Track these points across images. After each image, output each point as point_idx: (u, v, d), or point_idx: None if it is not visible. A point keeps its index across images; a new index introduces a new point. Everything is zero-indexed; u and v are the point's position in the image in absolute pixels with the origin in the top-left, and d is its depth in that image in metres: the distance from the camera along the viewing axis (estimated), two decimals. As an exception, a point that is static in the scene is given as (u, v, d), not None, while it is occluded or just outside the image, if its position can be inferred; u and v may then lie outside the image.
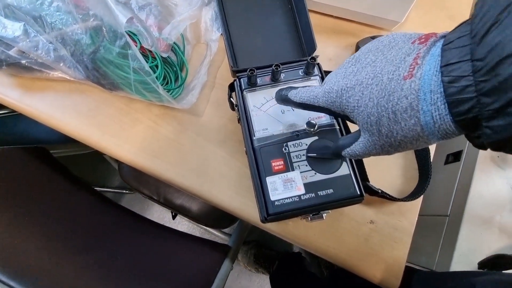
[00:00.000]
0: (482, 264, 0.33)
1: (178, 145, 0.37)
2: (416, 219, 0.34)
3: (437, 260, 0.53)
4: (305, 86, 0.25)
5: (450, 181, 0.57)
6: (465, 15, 0.43)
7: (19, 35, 0.34)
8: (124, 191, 1.03)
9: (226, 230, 0.97)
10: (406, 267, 0.33)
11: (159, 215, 1.05)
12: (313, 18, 0.43)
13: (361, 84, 0.19)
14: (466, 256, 0.48)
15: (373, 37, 0.39)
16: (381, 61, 0.19)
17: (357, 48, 0.40)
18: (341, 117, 0.23)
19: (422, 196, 0.34)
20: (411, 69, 0.17)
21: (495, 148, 0.15)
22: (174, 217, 0.77)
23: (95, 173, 1.09)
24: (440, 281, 0.37)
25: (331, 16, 0.43)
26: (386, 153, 0.20)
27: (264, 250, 0.98)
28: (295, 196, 0.28)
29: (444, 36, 0.17)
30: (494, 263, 0.33)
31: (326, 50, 0.42)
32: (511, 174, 0.51)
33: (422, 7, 0.43)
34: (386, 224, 0.34)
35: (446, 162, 0.62)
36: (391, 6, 0.38)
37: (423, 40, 0.18)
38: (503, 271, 0.40)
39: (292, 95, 0.25)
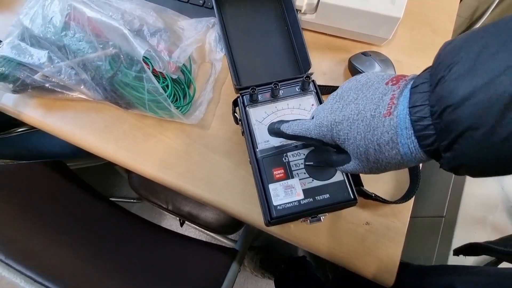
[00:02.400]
0: (458, 251, 0.36)
1: (187, 157, 0.41)
2: (408, 219, 0.37)
3: (435, 259, 0.55)
4: (296, 120, 0.27)
5: (445, 183, 0.60)
6: (447, 28, 0.46)
7: (44, 62, 0.38)
8: (133, 200, 1.06)
9: (232, 236, 1.00)
10: (400, 261, 0.36)
11: (167, 222, 1.08)
12: (309, 36, 0.47)
13: (348, 120, 0.22)
14: (461, 256, 0.50)
15: (363, 53, 0.43)
16: (362, 99, 0.22)
17: (349, 63, 0.43)
18: (332, 146, 0.26)
19: (413, 198, 0.37)
20: (389, 108, 0.20)
21: (454, 172, 0.19)
22: (182, 224, 0.80)
23: (105, 183, 1.13)
24: (424, 274, 0.40)
25: (325, 34, 0.47)
26: (374, 173, 0.24)
27: (270, 255, 1.00)
28: (295, 201, 0.31)
29: (413, 79, 0.21)
30: (469, 250, 0.36)
31: (321, 65, 0.45)
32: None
33: (407, 24, 0.47)
34: (381, 225, 0.37)
35: (441, 165, 0.65)
36: (379, 24, 0.41)
37: (394, 81, 0.21)
38: (481, 266, 0.43)
39: (284, 128, 0.27)
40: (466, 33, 0.18)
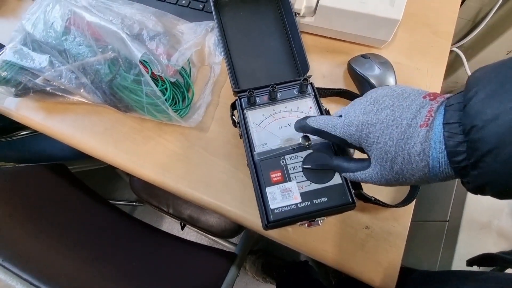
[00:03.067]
0: (471, 262, 0.35)
1: (186, 160, 0.41)
2: (409, 223, 0.36)
3: (438, 264, 0.54)
4: (323, 115, 0.28)
5: (449, 187, 0.59)
6: (448, 30, 0.46)
7: (45, 66, 0.39)
8: (135, 203, 1.07)
9: (233, 240, 0.99)
10: (406, 267, 0.35)
11: (168, 226, 1.08)
12: (308, 39, 0.47)
13: (382, 123, 0.22)
14: (465, 261, 0.49)
15: (363, 56, 0.42)
16: (398, 107, 0.22)
17: (349, 65, 0.43)
18: (355, 148, 0.25)
19: (414, 202, 0.37)
20: (426, 120, 0.20)
21: (479, 192, 0.19)
22: (182, 228, 0.79)
23: (107, 186, 1.13)
24: (430, 281, 0.39)
25: (324, 36, 0.46)
26: (386, 185, 0.23)
27: (272, 260, 0.99)
28: (292, 205, 0.30)
29: (447, 98, 0.21)
30: (482, 261, 0.35)
31: (321, 68, 0.45)
32: (506, 179, 0.53)
33: (408, 26, 0.46)
34: (381, 229, 0.36)
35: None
36: (378, 26, 0.41)
37: (432, 97, 0.22)
38: (490, 270, 0.41)
39: (310, 121, 0.28)
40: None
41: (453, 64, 0.90)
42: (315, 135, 0.30)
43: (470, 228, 0.52)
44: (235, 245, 0.96)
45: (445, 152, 0.19)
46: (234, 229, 0.68)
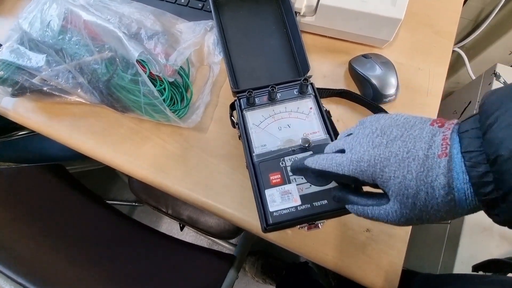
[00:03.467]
0: (477, 268, 0.34)
1: (185, 161, 0.40)
2: (410, 226, 0.36)
3: (440, 267, 0.53)
4: (324, 154, 0.25)
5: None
6: (450, 30, 0.45)
7: (42, 65, 0.38)
8: (134, 203, 1.06)
9: (232, 240, 0.99)
10: (408, 270, 0.34)
11: (168, 226, 1.07)
12: (309, 39, 0.46)
13: (397, 156, 0.20)
14: (467, 264, 0.49)
15: (364, 56, 0.42)
16: (408, 137, 0.20)
17: (350, 65, 0.42)
18: (367, 185, 0.23)
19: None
20: (444, 149, 0.19)
21: (505, 225, 0.18)
22: (182, 229, 0.79)
23: (106, 186, 1.13)
24: (435, 284, 0.39)
25: (325, 36, 0.46)
26: (404, 224, 0.21)
27: (271, 261, 0.99)
28: (292, 207, 0.30)
29: (458, 124, 0.20)
30: (488, 267, 0.34)
31: (321, 68, 0.45)
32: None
33: (409, 26, 0.46)
34: (382, 232, 0.35)
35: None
36: (380, 26, 0.41)
37: (439, 124, 0.20)
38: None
39: (309, 162, 0.25)
40: (506, 85, 0.18)
41: (455, 65, 0.89)
42: (317, 177, 0.27)
43: (472, 231, 0.51)
44: (234, 246, 0.96)
45: (470, 183, 0.18)
46: (233, 230, 0.68)
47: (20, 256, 0.31)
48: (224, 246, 0.98)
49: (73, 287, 0.31)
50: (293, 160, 0.31)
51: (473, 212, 0.19)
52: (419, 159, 0.19)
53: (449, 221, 0.55)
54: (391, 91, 0.40)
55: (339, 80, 0.44)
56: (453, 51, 0.85)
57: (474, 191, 0.17)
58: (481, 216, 0.56)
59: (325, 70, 0.44)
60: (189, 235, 1.05)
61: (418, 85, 0.42)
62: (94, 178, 1.11)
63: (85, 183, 0.62)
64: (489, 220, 0.54)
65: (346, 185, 0.26)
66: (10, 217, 0.37)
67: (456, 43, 0.85)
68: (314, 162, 0.24)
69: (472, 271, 0.35)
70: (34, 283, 0.26)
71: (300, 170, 0.27)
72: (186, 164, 0.40)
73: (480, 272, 0.41)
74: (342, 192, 0.25)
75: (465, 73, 0.83)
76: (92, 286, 0.33)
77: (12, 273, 0.26)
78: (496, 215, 0.18)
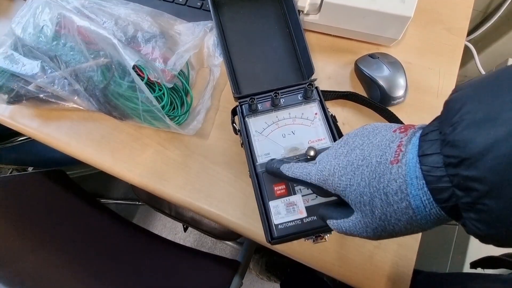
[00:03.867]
0: (475, 264, 0.34)
1: (186, 168, 0.39)
2: (420, 235, 0.34)
3: (449, 267, 0.52)
4: (298, 162, 0.26)
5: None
6: (462, 26, 0.43)
7: (37, 72, 0.37)
8: (137, 202, 1.06)
9: (238, 239, 0.99)
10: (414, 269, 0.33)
11: (172, 225, 1.07)
12: (312, 38, 0.44)
13: (352, 165, 0.20)
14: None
15: (371, 55, 0.40)
16: (368, 145, 0.20)
17: (356, 66, 0.41)
18: (334, 195, 0.23)
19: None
20: (396, 155, 0.18)
21: (482, 241, 0.16)
22: (185, 230, 0.79)
23: (109, 186, 1.13)
24: (437, 283, 0.38)
25: (330, 35, 0.44)
26: (377, 238, 0.20)
27: (276, 258, 0.99)
28: (297, 220, 0.29)
29: (422, 128, 0.19)
30: (486, 263, 0.33)
31: (326, 69, 0.43)
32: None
33: (419, 23, 0.43)
34: (390, 241, 0.34)
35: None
36: (388, 24, 0.39)
37: (403, 130, 0.19)
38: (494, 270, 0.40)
39: (284, 169, 0.26)
40: (473, 80, 0.17)
41: (463, 58, 0.86)
42: (291, 182, 0.29)
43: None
44: (238, 244, 0.96)
45: (426, 189, 0.16)
46: (237, 232, 0.67)
47: (20, 269, 0.30)
48: (228, 245, 0.98)
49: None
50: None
51: (441, 223, 0.17)
52: (372, 166, 0.19)
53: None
54: (399, 93, 0.38)
55: (344, 81, 0.42)
56: (462, 44, 0.82)
57: (434, 197, 0.16)
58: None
59: (330, 71, 0.43)
60: (193, 234, 1.05)
61: (428, 85, 0.40)
62: (97, 178, 1.11)
63: (87, 183, 0.62)
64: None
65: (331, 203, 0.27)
66: (7, 228, 0.37)
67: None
68: (289, 170, 0.25)
69: (470, 267, 0.34)
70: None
71: (275, 173, 0.28)
72: (187, 172, 0.39)
73: (479, 269, 0.40)
74: (323, 209, 0.25)
75: (474, 66, 0.81)
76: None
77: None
78: (465, 226, 0.16)
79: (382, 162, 0.19)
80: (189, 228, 1.05)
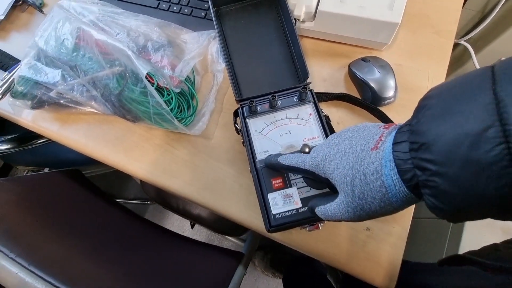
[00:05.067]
0: (441, 262, 0.36)
1: (193, 166, 0.43)
2: (409, 225, 0.37)
3: (437, 261, 0.54)
4: (293, 152, 0.31)
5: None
6: (450, 29, 0.46)
7: (58, 80, 0.41)
8: (147, 202, 1.11)
9: (242, 236, 1.02)
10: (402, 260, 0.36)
11: (179, 223, 1.11)
12: (309, 43, 0.47)
13: (341, 152, 0.24)
14: (469, 258, 0.50)
15: (363, 59, 0.43)
16: (356, 137, 0.24)
17: (349, 69, 0.44)
18: (323, 181, 0.27)
19: (414, 204, 0.37)
20: (376, 144, 0.22)
21: (437, 215, 0.19)
22: (192, 226, 0.82)
23: (120, 186, 1.17)
24: (415, 271, 0.41)
25: (325, 40, 0.47)
26: (357, 219, 0.23)
27: (280, 255, 1.01)
28: (293, 210, 0.32)
29: (400, 125, 0.23)
30: (451, 261, 0.36)
31: (321, 72, 0.46)
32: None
33: (409, 27, 0.46)
34: (381, 231, 0.37)
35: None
36: (378, 30, 0.42)
37: (386, 127, 0.23)
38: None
39: (281, 159, 0.30)
40: (444, 82, 0.20)
41: (461, 58, 0.88)
42: (286, 171, 0.32)
43: (475, 225, 0.52)
44: (243, 241, 0.99)
45: (396, 170, 0.20)
46: (242, 227, 0.70)
47: (48, 257, 0.34)
48: (234, 242, 1.01)
49: (95, 285, 0.34)
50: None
51: (409, 203, 0.21)
52: (356, 152, 0.23)
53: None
54: (389, 93, 0.41)
55: (339, 83, 0.45)
56: (459, 44, 0.84)
57: (401, 178, 0.20)
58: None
59: (325, 74, 0.46)
60: (200, 232, 1.09)
61: (417, 86, 0.43)
62: (108, 179, 1.16)
63: (99, 184, 0.66)
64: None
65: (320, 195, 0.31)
66: (36, 222, 0.41)
67: (462, 36, 0.84)
68: (286, 159, 0.29)
69: (438, 265, 0.37)
70: (61, 282, 0.29)
71: (273, 165, 0.31)
72: (194, 169, 0.42)
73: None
74: (312, 201, 0.28)
75: (471, 66, 0.82)
76: (110, 283, 0.36)
77: (42, 273, 0.30)
78: (426, 203, 0.19)
79: (365, 150, 0.22)
80: (196, 226, 1.09)
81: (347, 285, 0.74)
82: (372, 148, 0.22)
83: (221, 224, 0.70)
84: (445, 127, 0.17)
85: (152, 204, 1.12)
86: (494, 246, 0.36)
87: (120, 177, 1.18)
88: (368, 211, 0.22)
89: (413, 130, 0.19)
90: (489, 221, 0.56)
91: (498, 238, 0.53)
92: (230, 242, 1.04)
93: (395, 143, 0.21)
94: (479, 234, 0.51)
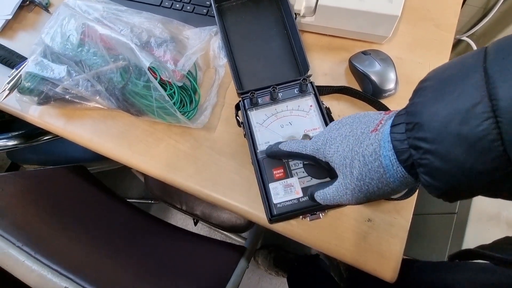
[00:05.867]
0: (451, 257, 0.36)
1: (195, 159, 0.43)
2: (411, 216, 0.37)
3: (447, 256, 0.54)
4: (293, 140, 0.31)
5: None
6: (451, 22, 0.46)
7: (64, 76, 0.42)
8: (150, 201, 1.11)
9: (244, 234, 1.02)
10: (409, 259, 0.36)
11: (183, 222, 1.12)
12: (309, 38, 0.48)
13: (341, 136, 0.25)
14: (473, 252, 0.50)
15: (363, 52, 0.43)
16: (357, 122, 0.25)
17: (350, 62, 0.44)
18: (323, 166, 0.27)
19: (416, 194, 0.37)
20: (376, 126, 0.23)
21: (432, 193, 0.19)
22: (195, 224, 0.83)
23: (124, 186, 1.19)
24: (426, 269, 0.41)
25: (325, 34, 0.47)
26: (355, 201, 0.24)
27: (284, 254, 1.01)
28: (294, 199, 0.32)
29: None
30: (462, 256, 0.35)
31: (322, 66, 0.46)
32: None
33: (409, 20, 0.46)
34: (383, 222, 0.37)
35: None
36: (378, 23, 0.42)
37: (387, 113, 0.24)
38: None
39: (282, 146, 0.30)
40: (438, 66, 0.21)
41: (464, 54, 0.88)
42: (287, 158, 0.33)
43: (479, 219, 0.52)
44: (245, 239, 0.99)
45: (393, 151, 0.20)
46: (244, 224, 0.71)
47: (53, 247, 0.35)
48: (236, 240, 1.02)
49: (98, 273, 0.34)
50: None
51: (406, 184, 0.21)
52: (356, 135, 0.23)
53: (456, 210, 0.56)
54: (390, 86, 0.41)
55: (339, 77, 0.45)
56: (462, 40, 0.84)
57: (398, 158, 0.20)
58: (487, 205, 0.56)
59: (326, 68, 0.46)
60: (203, 230, 1.09)
61: (418, 78, 0.42)
62: (112, 178, 1.17)
63: (104, 183, 0.67)
64: (495, 209, 0.55)
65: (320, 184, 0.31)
66: (41, 215, 0.41)
67: (465, 31, 0.83)
68: (287, 146, 0.30)
69: (448, 260, 0.36)
70: (66, 269, 0.30)
71: (274, 152, 0.32)
72: (196, 162, 0.43)
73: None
74: (311, 188, 0.29)
75: (474, 62, 0.82)
76: (113, 272, 0.37)
77: (48, 261, 0.30)
78: (422, 183, 0.20)
79: (365, 132, 0.23)
80: (199, 225, 1.09)
81: (351, 284, 0.74)
82: (372, 130, 0.23)
83: (224, 221, 0.70)
84: (438, 106, 0.18)
85: (155, 203, 1.13)
86: (507, 240, 0.36)
87: (123, 177, 1.19)
88: (366, 193, 0.22)
89: (408, 111, 0.20)
90: (493, 215, 0.56)
91: (504, 232, 0.52)
92: (232, 240, 1.04)
93: (393, 125, 0.21)
94: (483, 228, 0.51)
